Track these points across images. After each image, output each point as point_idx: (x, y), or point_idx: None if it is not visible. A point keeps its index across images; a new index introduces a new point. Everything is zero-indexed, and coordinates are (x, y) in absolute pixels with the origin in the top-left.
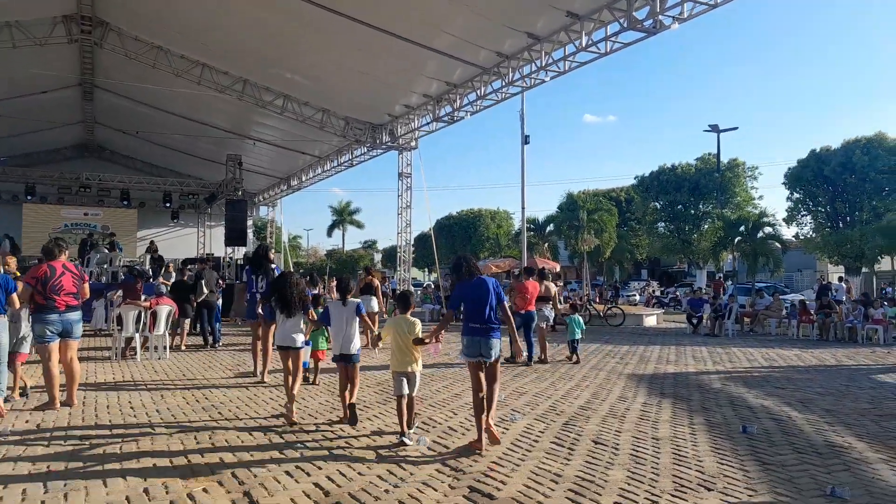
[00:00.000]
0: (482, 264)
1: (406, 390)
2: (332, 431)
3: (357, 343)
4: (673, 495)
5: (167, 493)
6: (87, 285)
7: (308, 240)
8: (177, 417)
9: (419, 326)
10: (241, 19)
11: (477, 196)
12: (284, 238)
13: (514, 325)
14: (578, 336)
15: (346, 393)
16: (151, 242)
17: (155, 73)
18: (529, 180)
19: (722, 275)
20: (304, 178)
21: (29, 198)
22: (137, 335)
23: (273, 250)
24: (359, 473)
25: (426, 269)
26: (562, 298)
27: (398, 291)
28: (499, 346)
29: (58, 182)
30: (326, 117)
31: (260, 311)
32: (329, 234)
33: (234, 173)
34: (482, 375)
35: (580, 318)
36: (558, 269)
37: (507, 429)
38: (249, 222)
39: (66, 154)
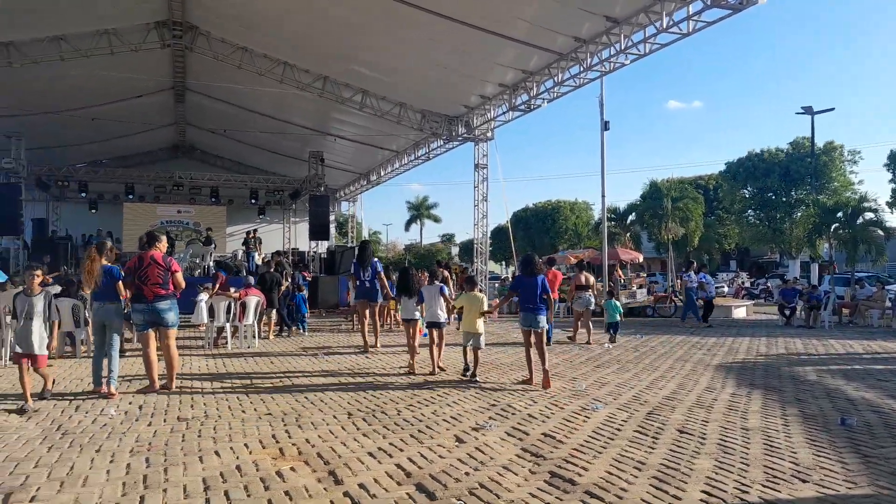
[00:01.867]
0: (560, 255)
1: (472, 343)
2: (413, 416)
3: (443, 314)
4: (764, 486)
5: (257, 470)
6: (179, 275)
7: (387, 234)
8: (265, 402)
9: (486, 300)
10: (318, 17)
11: (555, 187)
12: (365, 233)
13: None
14: (617, 318)
15: (435, 351)
16: (247, 233)
17: (241, 73)
18: (610, 169)
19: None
20: (382, 173)
21: (129, 197)
22: (228, 325)
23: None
24: (439, 456)
25: (503, 262)
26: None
27: (468, 276)
28: (544, 320)
29: (153, 181)
30: (403, 111)
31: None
32: (407, 228)
33: (317, 170)
34: (533, 339)
35: (618, 303)
36: (641, 260)
37: (589, 417)
38: (332, 217)
39: (161, 155)
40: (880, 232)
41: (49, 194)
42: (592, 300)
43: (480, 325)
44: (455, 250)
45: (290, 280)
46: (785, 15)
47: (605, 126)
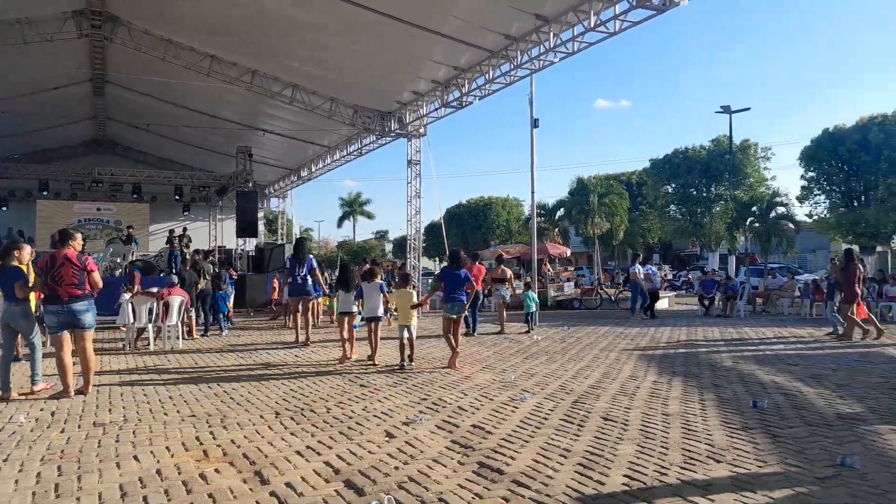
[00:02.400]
0: (492, 250)
1: (406, 335)
2: (343, 413)
3: (381, 309)
4: (682, 468)
5: (179, 473)
6: (95, 274)
7: (319, 231)
8: (189, 403)
9: (415, 296)
10: (247, 9)
11: (488, 183)
12: (296, 230)
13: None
14: (533, 309)
15: (373, 343)
16: (170, 231)
17: (165, 66)
18: (540, 166)
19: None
20: (313, 169)
21: (43, 193)
22: (150, 326)
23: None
24: (369, 452)
25: (437, 258)
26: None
27: (403, 273)
28: (465, 308)
29: (70, 178)
30: (335, 106)
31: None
32: (339, 225)
33: (245, 165)
34: (452, 326)
35: (534, 295)
36: (569, 254)
37: (517, 407)
38: (260, 214)
39: (79, 150)
40: (791, 225)
41: None
42: (507, 293)
43: (414, 318)
44: (389, 247)
45: (206, 279)
46: (706, 17)
47: (535, 123)
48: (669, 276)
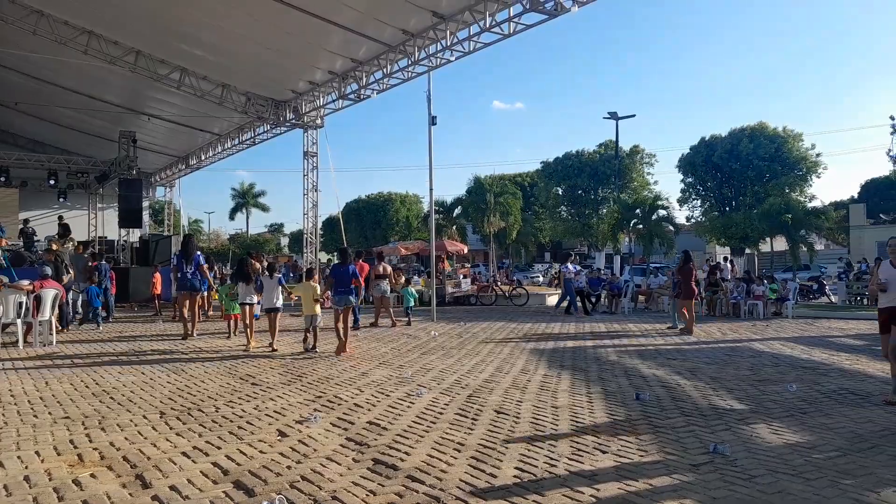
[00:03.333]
0: (391, 246)
1: (311, 324)
2: (233, 413)
3: (280, 301)
4: (570, 459)
5: (50, 479)
6: None
7: (210, 223)
8: (63, 404)
9: (319, 288)
10: None
11: (387, 179)
12: (184, 221)
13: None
14: (412, 304)
15: (271, 334)
16: (25, 221)
17: (36, 40)
18: (438, 164)
19: (632, 255)
20: (203, 157)
21: None
22: (20, 321)
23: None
24: (260, 451)
25: (336, 253)
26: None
27: (306, 268)
28: (351, 300)
29: None
30: (226, 92)
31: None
32: (232, 217)
33: (128, 151)
34: (341, 316)
35: (413, 290)
36: (466, 251)
37: (413, 403)
38: (145, 203)
39: None
40: (671, 227)
41: None
42: (387, 288)
43: (318, 308)
44: (284, 241)
45: (69, 273)
46: (597, 25)
47: (433, 121)
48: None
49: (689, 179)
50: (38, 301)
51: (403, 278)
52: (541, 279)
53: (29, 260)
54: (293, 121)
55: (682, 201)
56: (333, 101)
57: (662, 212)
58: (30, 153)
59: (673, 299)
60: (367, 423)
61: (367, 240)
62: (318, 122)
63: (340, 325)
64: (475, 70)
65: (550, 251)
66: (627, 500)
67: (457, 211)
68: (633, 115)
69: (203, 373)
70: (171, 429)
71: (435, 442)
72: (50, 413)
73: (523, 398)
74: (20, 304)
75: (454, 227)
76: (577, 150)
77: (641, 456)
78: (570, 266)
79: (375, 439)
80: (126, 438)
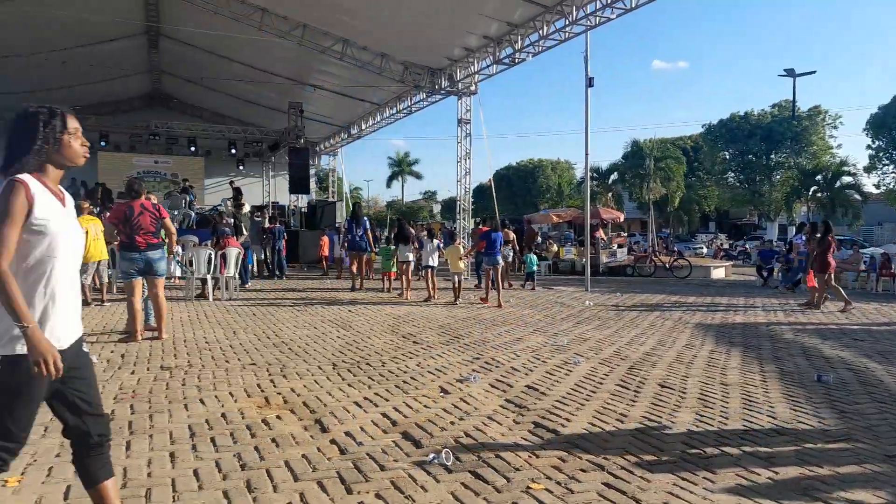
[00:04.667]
0: (542, 214)
1: (457, 277)
2: (398, 368)
3: (435, 260)
4: (743, 438)
5: (243, 418)
6: (168, 221)
7: (368, 190)
8: (249, 352)
9: (463, 249)
10: None
11: (538, 144)
12: (346, 188)
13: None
14: (534, 269)
15: (430, 288)
16: (231, 183)
17: (217, 19)
18: (593, 127)
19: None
20: (363, 126)
21: (103, 145)
22: (209, 276)
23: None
24: (425, 406)
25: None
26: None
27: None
28: (500, 260)
29: (129, 130)
30: (385, 62)
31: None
32: (388, 184)
33: (296, 121)
34: (493, 274)
35: (534, 257)
36: (622, 220)
37: (571, 371)
38: (312, 171)
39: (136, 104)
40: (857, 196)
41: None
42: (510, 254)
43: (461, 265)
44: (437, 208)
45: (243, 233)
46: None
47: (590, 83)
48: (725, 246)
49: (880, 143)
50: (223, 259)
51: (555, 246)
52: (704, 250)
53: (213, 223)
54: (448, 88)
55: (869, 168)
56: (487, 66)
57: (848, 178)
58: (213, 125)
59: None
60: (525, 386)
61: (516, 207)
62: (472, 88)
63: (492, 281)
64: (633, 28)
65: (716, 220)
66: (811, 486)
67: (613, 177)
68: (813, 72)
69: (368, 329)
70: (342, 379)
71: (595, 411)
72: (239, 360)
73: (689, 373)
74: (209, 261)
75: (610, 195)
76: (745, 112)
77: (826, 442)
78: (804, 238)
79: (535, 403)
80: (304, 386)
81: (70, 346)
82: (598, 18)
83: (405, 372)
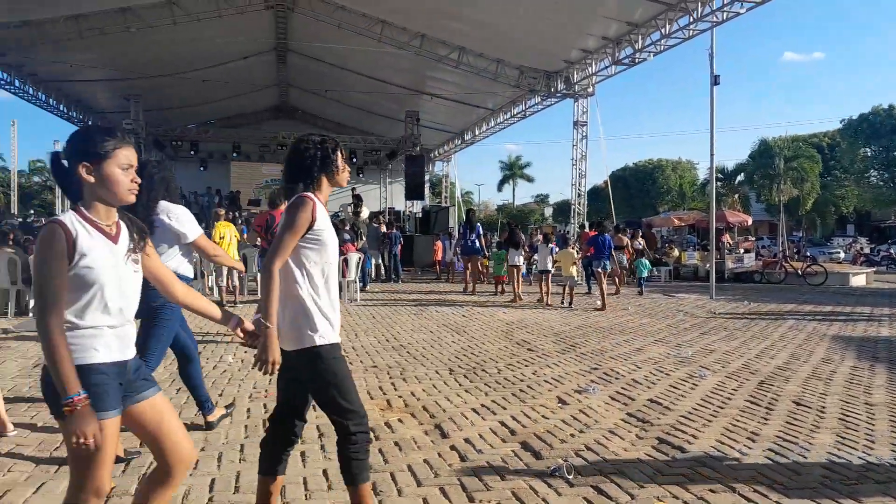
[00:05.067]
0: (663, 216)
1: (569, 282)
2: (514, 375)
3: (550, 264)
4: (893, 465)
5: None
6: None
7: (479, 195)
8: (371, 355)
9: (575, 254)
10: None
11: (655, 145)
12: (458, 193)
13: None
14: (645, 275)
15: (544, 293)
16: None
17: (340, 33)
18: (718, 126)
19: None
20: (477, 132)
21: (235, 156)
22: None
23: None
24: (543, 416)
25: (590, 224)
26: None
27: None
28: (607, 264)
29: (258, 141)
30: (500, 67)
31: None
32: (499, 188)
33: (413, 130)
34: (603, 276)
35: (646, 261)
36: (749, 223)
37: (696, 385)
38: (426, 177)
39: (265, 116)
40: None
41: (164, 154)
42: (624, 259)
43: (573, 270)
44: (549, 211)
45: (361, 238)
46: None
47: (716, 80)
48: (867, 251)
49: None
50: (345, 263)
51: (677, 251)
52: (842, 255)
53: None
54: (564, 91)
55: None
56: (606, 67)
57: None
58: (336, 135)
59: None
60: (647, 400)
61: (633, 209)
62: (590, 90)
63: (604, 285)
64: (762, 18)
65: (854, 223)
66: None
67: (739, 178)
68: None
69: (483, 335)
70: (459, 385)
71: (724, 429)
72: (361, 362)
73: (827, 391)
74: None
75: (736, 196)
76: (890, 104)
77: None
78: None
79: (658, 418)
80: (423, 390)
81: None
82: (725, 14)
83: (521, 380)
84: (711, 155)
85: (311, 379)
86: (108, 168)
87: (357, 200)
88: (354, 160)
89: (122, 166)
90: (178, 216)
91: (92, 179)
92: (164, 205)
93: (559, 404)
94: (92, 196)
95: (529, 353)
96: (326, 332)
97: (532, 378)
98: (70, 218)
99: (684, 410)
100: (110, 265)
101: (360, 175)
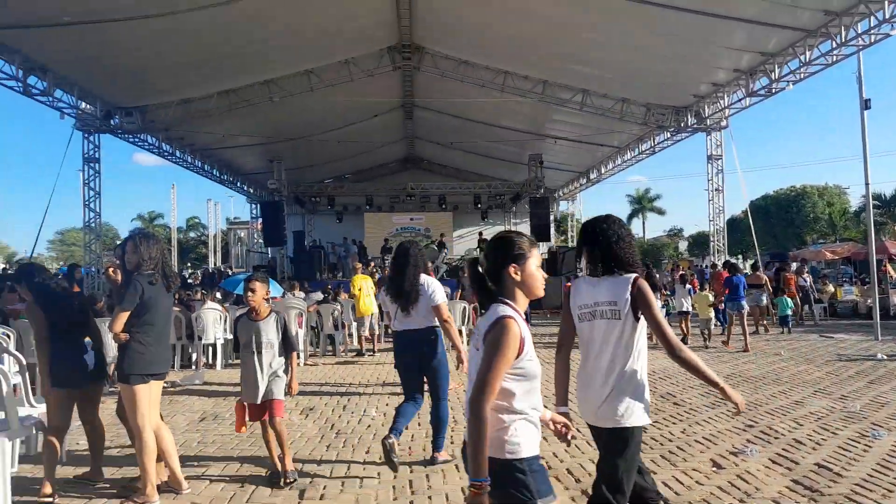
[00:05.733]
0: (813, 249)
1: (706, 326)
2: (661, 434)
3: (687, 305)
4: None
5: None
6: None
7: None
8: None
9: (712, 296)
10: (535, 22)
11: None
12: None
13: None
14: (788, 313)
15: (684, 334)
16: (480, 234)
17: (463, 86)
18: (872, 150)
19: None
20: (602, 171)
21: (367, 207)
22: (464, 328)
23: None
24: (697, 482)
25: (740, 255)
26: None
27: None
28: (744, 305)
29: (388, 192)
30: (626, 106)
31: None
32: (628, 223)
33: (536, 172)
34: (736, 319)
35: (788, 300)
36: None
37: (870, 446)
38: (552, 217)
39: (393, 168)
40: None
41: (304, 209)
42: (763, 298)
43: (710, 312)
44: (683, 245)
45: None
46: None
47: (866, 105)
48: None
49: None
50: (475, 310)
51: (831, 286)
52: None
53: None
54: (695, 125)
55: None
56: (739, 99)
57: None
58: (461, 182)
59: None
60: (813, 464)
61: (776, 240)
62: (723, 123)
63: (745, 326)
64: None
65: None
66: None
67: None
68: None
69: None
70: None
71: None
72: None
73: None
74: (463, 312)
75: None
76: None
77: None
78: None
79: (829, 486)
80: (565, 450)
81: None
82: (872, 37)
83: (670, 440)
84: (866, 183)
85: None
86: (529, 267)
87: (483, 245)
88: (479, 205)
89: (538, 265)
90: (431, 286)
91: (518, 278)
92: (423, 277)
93: (714, 468)
94: (516, 291)
95: (676, 408)
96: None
97: (682, 437)
98: (513, 313)
99: (858, 477)
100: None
101: (485, 219)
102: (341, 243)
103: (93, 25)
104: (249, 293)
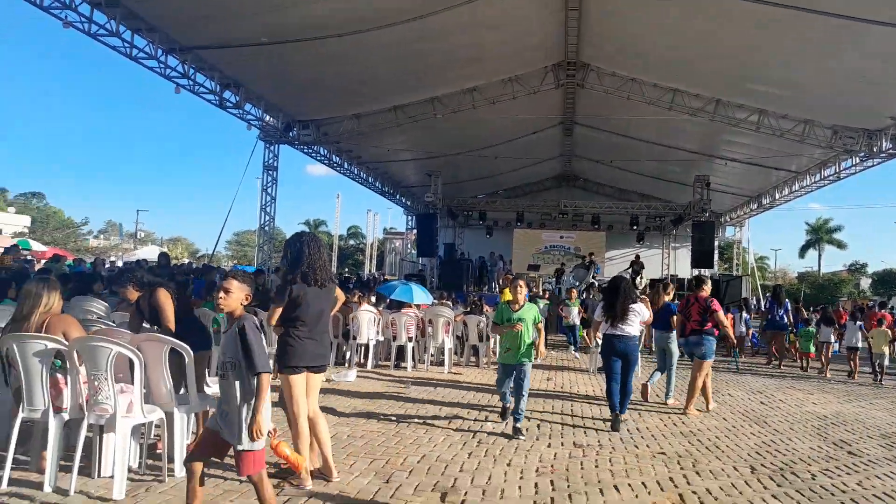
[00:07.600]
0: None
1: (880, 360)
2: (832, 484)
3: (859, 342)
4: None
5: None
6: (718, 314)
7: (776, 260)
8: (657, 439)
9: (889, 333)
10: (709, 41)
11: None
12: (750, 259)
13: None
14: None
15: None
16: (636, 256)
17: (627, 103)
18: None
19: None
20: (776, 196)
21: (518, 224)
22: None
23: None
24: None
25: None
26: None
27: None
28: None
29: (541, 210)
30: (808, 128)
31: None
32: (802, 254)
33: (702, 195)
34: None
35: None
36: None
37: None
38: (716, 243)
39: (547, 184)
40: None
41: (456, 222)
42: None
43: (886, 349)
44: (865, 282)
45: None
46: None
47: None
48: None
49: None
50: None
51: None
52: None
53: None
54: (890, 150)
55: None
56: None
57: None
58: (616, 201)
59: None
60: None
61: None
62: None
63: None
64: None
65: None
66: None
67: None
68: None
69: (788, 428)
70: (765, 488)
71: None
72: (648, 446)
73: None
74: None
75: None
76: None
77: None
78: None
79: None
80: (721, 488)
81: None
82: None
83: (843, 491)
84: None
85: None
86: None
87: (639, 267)
88: (635, 226)
89: None
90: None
91: None
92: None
93: None
94: None
95: (851, 458)
96: None
97: (857, 490)
98: None
99: None
100: None
101: (641, 241)
102: (488, 257)
103: (283, 45)
104: (221, 294)
